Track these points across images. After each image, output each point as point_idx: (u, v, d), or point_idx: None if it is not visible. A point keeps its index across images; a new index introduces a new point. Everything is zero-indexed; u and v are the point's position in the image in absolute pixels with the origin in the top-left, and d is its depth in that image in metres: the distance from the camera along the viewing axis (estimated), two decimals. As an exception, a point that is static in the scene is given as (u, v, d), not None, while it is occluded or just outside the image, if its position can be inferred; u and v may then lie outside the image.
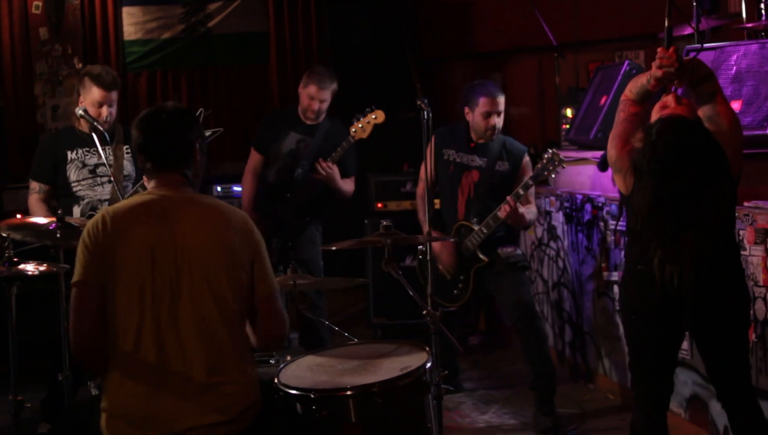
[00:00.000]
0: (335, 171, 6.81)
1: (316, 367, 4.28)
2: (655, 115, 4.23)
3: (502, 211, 6.12)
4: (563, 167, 6.12)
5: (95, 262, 3.61)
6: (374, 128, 6.81)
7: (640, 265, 4.20)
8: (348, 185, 6.98)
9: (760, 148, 5.23)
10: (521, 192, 6.12)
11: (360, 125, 6.76)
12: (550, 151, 6.15)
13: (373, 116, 6.78)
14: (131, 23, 10.03)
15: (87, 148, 6.11)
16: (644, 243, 4.08)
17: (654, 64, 4.23)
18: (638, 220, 4.07)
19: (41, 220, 5.22)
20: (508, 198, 6.11)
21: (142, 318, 3.57)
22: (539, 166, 6.14)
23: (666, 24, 4.40)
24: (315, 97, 6.88)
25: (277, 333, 3.83)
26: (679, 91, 4.32)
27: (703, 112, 4.23)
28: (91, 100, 6.01)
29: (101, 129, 5.83)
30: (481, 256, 6.35)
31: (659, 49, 4.24)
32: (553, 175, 6.15)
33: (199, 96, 9.92)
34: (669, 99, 4.23)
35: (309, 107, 6.90)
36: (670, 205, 3.95)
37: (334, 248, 4.56)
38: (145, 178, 3.89)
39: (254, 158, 7.06)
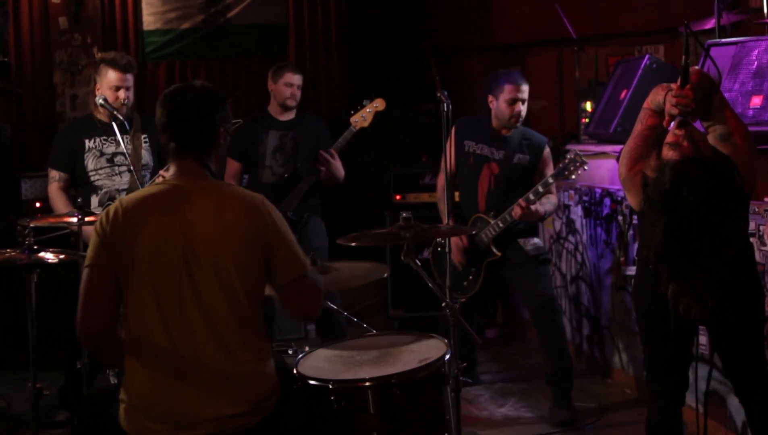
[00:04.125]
0: (338, 160, 6.84)
1: (335, 358, 4.28)
2: (666, 149, 4.05)
3: (515, 213, 6.11)
4: (584, 169, 6.09)
5: (106, 248, 3.59)
6: (384, 121, 6.82)
7: (651, 265, 4.18)
8: (342, 171, 7.00)
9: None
10: (540, 189, 6.11)
11: (362, 114, 6.78)
12: (572, 152, 6.13)
13: (375, 105, 6.80)
14: (150, 13, 10.05)
15: (105, 137, 6.13)
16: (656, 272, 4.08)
17: (669, 102, 4.06)
18: (649, 251, 4.02)
19: (68, 219, 5.22)
20: (520, 200, 6.10)
21: (155, 309, 3.56)
22: (560, 165, 6.12)
23: (683, 60, 4.04)
24: (293, 82, 6.96)
25: (312, 306, 3.81)
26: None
27: (714, 130, 4.11)
28: (108, 84, 6.03)
29: (121, 118, 5.85)
30: (494, 250, 6.34)
31: (674, 87, 4.06)
32: (573, 177, 6.12)
33: (218, 86, 9.86)
34: (679, 136, 4.00)
35: (290, 95, 6.96)
36: (683, 246, 3.89)
37: (353, 245, 4.53)
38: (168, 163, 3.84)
39: (233, 167, 7.02)
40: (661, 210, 3.90)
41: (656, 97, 4.20)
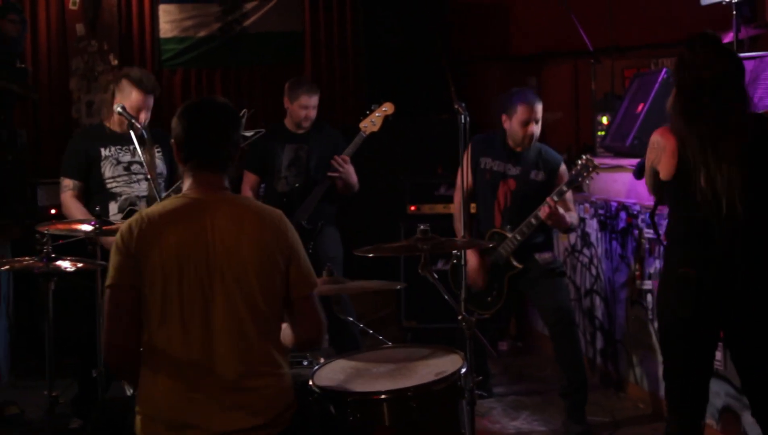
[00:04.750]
0: (350, 166, 6.84)
1: (351, 370, 4.27)
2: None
3: (542, 212, 6.10)
4: (597, 173, 6.10)
5: (127, 265, 3.60)
6: (392, 126, 6.83)
7: (681, 268, 4.18)
8: (355, 177, 7.00)
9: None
10: (556, 198, 6.10)
11: (371, 120, 6.79)
12: (584, 157, 6.13)
13: (384, 108, 6.82)
14: (167, 21, 10.06)
15: (120, 146, 6.15)
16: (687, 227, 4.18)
17: None
18: (678, 128, 4.19)
19: (84, 227, 5.20)
20: (548, 199, 6.09)
21: (175, 321, 3.56)
22: (573, 172, 6.11)
23: None
24: (308, 105, 6.98)
25: (314, 336, 3.82)
26: None
27: None
28: (129, 103, 5.98)
29: (139, 127, 5.83)
30: (515, 263, 6.34)
31: None
32: (587, 181, 6.12)
33: (234, 95, 9.93)
34: None
35: (305, 117, 7.00)
36: (702, 101, 4.13)
37: (371, 256, 4.52)
38: (183, 175, 3.84)
39: (250, 179, 7.06)
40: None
41: None
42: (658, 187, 4.41)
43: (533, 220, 6.17)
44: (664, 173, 4.26)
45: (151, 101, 6.12)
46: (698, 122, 4.12)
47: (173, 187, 6.01)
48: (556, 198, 6.10)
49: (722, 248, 4.11)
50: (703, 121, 4.11)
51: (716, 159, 4.06)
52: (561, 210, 6.15)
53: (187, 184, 3.79)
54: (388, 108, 6.81)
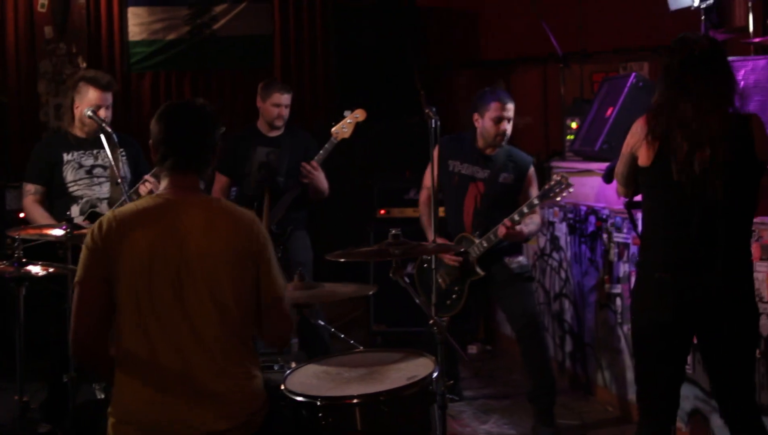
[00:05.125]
0: (321, 172, 6.85)
1: (323, 375, 4.28)
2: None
3: (500, 232, 6.12)
4: (570, 192, 6.09)
5: (96, 263, 3.59)
6: (368, 136, 6.84)
7: (657, 273, 4.21)
8: (326, 183, 7.00)
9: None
10: (525, 210, 6.11)
11: (342, 126, 6.80)
12: (559, 174, 6.14)
13: (356, 115, 6.83)
14: (136, 24, 10.01)
15: (83, 151, 6.20)
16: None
17: None
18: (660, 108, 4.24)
19: (55, 232, 5.19)
20: (506, 220, 6.10)
21: (145, 323, 3.56)
22: (546, 187, 6.11)
23: None
24: (281, 103, 7.00)
25: (284, 336, 3.86)
26: None
27: None
28: (88, 102, 6.06)
29: (108, 130, 5.87)
30: (478, 269, 6.34)
31: None
32: (558, 199, 6.12)
33: (203, 98, 9.85)
34: None
35: (278, 115, 7.01)
36: (686, 79, 4.19)
37: (342, 260, 4.54)
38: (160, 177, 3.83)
39: (221, 181, 7.05)
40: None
41: None
42: (632, 176, 4.42)
43: (498, 233, 6.17)
44: (643, 158, 4.27)
45: (109, 98, 6.16)
46: (682, 101, 4.16)
47: (132, 189, 6.02)
48: (526, 210, 6.10)
49: (700, 240, 4.13)
50: (687, 100, 4.15)
51: (698, 138, 4.10)
52: (519, 227, 6.17)
53: (162, 185, 3.78)
54: (359, 114, 6.82)
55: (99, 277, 3.59)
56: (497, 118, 6.36)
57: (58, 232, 5.13)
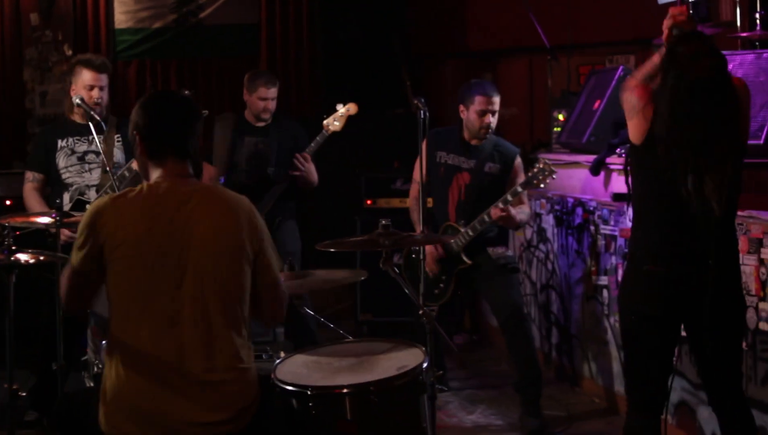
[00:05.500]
0: (311, 164, 6.85)
1: (313, 364, 4.28)
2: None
3: (494, 214, 6.14)
4: (553, 178, 6.11)
5: (91, 253, 3.59)
6: (356, 127, 6.85)
7: (646, 266, 4.22)
8: (316, 175, 7.02)
9: (755, 157, 5.24)
10: (509, 198, 6.13)
11: (334, 119, 6.80)
12: (542, 161, 6.16)
13: (348, 108, 6.82)
14: (122, 11, 9.99)
15: (78, 137, 6.21)
16: (652, 231, 4.20)
17: (667, 20, 4.37)
18: (663, 129, 4.11)
19: (43, 220, 5.22)
20: (498, 203, 6.12)
21: (140, 312, 3.56)
22: (530, 174, 6.14)
23: None
24: (266, 96, 6.98)
25: (278, 317, 3.91)
26: None
27: None
28: (82, 84, 6.11)
29: (97, 118, 5.88)
30: (464, 258, 6.35)
31: (671, 9, 4.42)
32: (542, 186, 6.14)
33: (189, 87, 9.83)
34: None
35: (264, 108, 7.00)
36: (695, 108, 4.06)
37: (332, 250, 4.55)
38: (148, 166, 3.82)
39: (209, 171, 7.00)
40: (675, 64, 4.12)
41: (643, 69, 4.36)
42: None
43: (486, 218, 6.20)
44: (635, 136, 4.27)
45: (104, 79, 6.20)
46: (686, 128, 4.08)
47: (123, 168, 6.03)
48: (510, 197, 6.14)
49: (692, 231, 4.13)
50: (692, 126, 4.07)
51: (702, 165, 4.07)
52: (512, 210, 6.19)
53: (155, 174, 3.77)
54: (351, 108, 6.82)
55: (93, 264, 3.59)
56: (482, 112, 6.38)
57: (45, 220, 5.14)
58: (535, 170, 6.10)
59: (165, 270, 3.56)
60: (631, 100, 4.29)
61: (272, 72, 8.20)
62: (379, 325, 8.11)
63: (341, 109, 6.79)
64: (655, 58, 4.30)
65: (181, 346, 3.55)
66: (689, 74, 4.07)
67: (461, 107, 6.48)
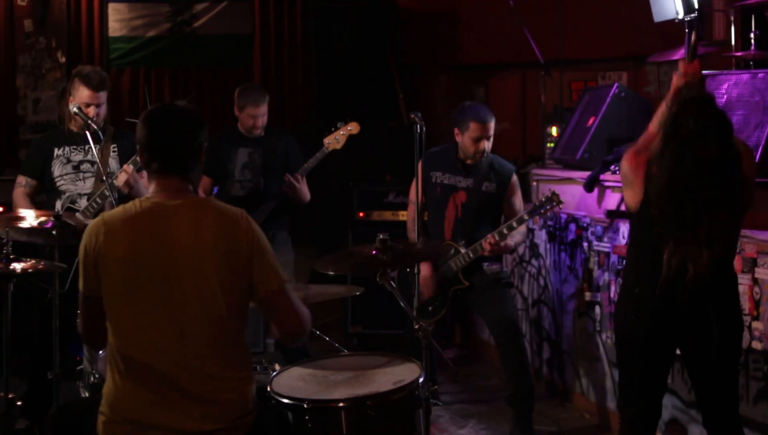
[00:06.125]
0: (304, 183, 6.89)
1: (309, 377, 4.28)
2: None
3: (486, 247, 6.15)
4: (560, 209, 6.14)
5: (93, 273, 3.63)
6: (349, 139, 6.87)
7: (637, 289, 4.24)
8: (308, 194, 7.05)
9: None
10: (515, 225, 6.14)
11: (335, 137, 6.81)
12: (551, 191, 6.16)
13: (349, 127, 6.85)
14: (116, 20, 10.02)
15: (74, 146, 6.20)
16: (651, 244, 4.16)
17: (678, 75, 4.32)
18: (657, 202, 4.08)
19: (36, 221, 5.19)
20: (490, 236, 6.13)
21: (136, 325, 3.57)
22: (537, 203, 6.13)
23: (693, 39, 4.67)
24: (256, 114, 7.01)
25: (294, 329, 3.83)
26: None
27: None
28: (80, 100, 6.08)
29: (94, 127, 5.89)
30: (462, 279, 6.35)
31: (682, 64, 4.38)
32: (548, 214, 6.16)
33: (182, 96, 9.89)
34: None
35: (253, 125, 7.03)
36: (690, 184, 4.01)
37: (331, 274, 4.57)
38: (144, 179, 3.84)
39: (204, 182, 7.11)
40: (673, 141, 4.04)
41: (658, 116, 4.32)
42: None
43: (483, 246, 6.20)
44: (629, 204, 4.32)
45: (102, 97, 6.17)
46: (685, 202, 4.06)
47: (109, 182, 6.04)
48: (515, 225, 6.13)
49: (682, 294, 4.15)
50: (691, 201, 4.05)
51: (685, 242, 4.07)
52: (503, 242, 6.21)
53: (151, 188, 3.78)
54: (353, 127, 6.85)
55: (97, 290, 3.63)
56: (476, 138, 6.37)
57: (24, 224, 5.14)
58: (543, 200, 6.10)
59: (157, 284, 3.57)
60: (624, 168, 4.33)
61: (262, 85, 8.22)
62: (370, 338, 8.10)
63: (342, 128, 6.80)
64: (659, 114, 4.28)
65: (176, 357, 3.55)
66: (693, 153, 4.02)
67: (456, 130, 6.46)
